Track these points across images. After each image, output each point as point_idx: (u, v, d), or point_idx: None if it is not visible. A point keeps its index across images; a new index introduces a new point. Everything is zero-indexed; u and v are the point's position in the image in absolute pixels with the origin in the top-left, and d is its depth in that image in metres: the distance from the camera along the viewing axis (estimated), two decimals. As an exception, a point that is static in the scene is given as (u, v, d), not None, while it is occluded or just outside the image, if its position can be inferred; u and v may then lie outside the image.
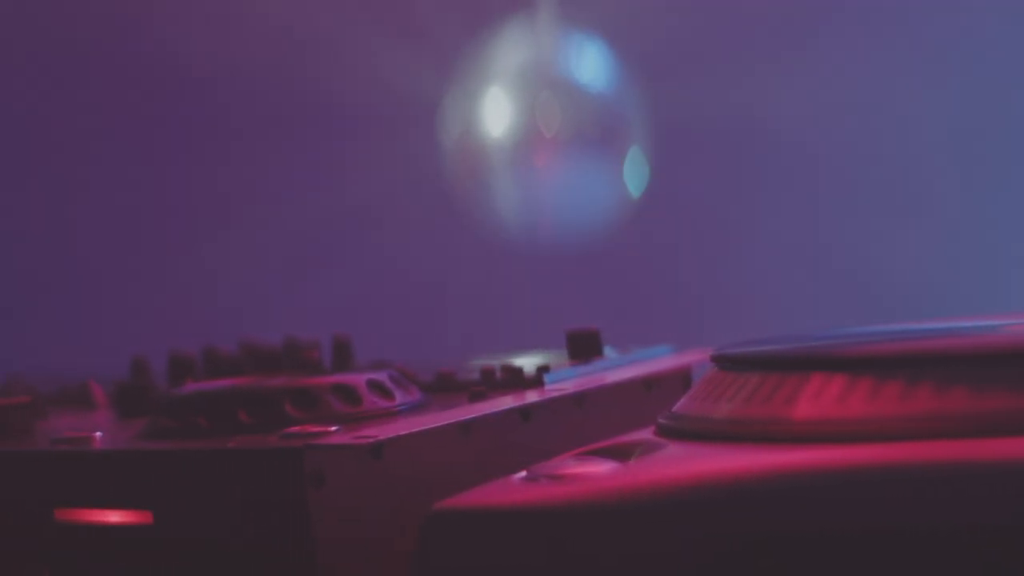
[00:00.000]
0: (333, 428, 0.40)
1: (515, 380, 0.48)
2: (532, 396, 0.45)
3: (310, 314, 1.01)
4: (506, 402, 0.44)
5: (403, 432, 0.39)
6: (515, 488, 0.35)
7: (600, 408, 0.48)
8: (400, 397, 0.44)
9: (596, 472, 0.34)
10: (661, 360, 0.52)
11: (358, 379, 0.44)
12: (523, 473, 0.37)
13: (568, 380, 0.48)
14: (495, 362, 0.50)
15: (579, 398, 0.47)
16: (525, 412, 0.44)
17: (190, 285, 1.06)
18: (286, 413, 0.42)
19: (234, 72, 1.03)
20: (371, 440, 0.38)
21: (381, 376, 0.45)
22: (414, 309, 1.02)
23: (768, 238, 1.00)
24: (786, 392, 0.36)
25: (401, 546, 0.40)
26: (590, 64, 0.99)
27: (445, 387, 0.48)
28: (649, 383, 0.50)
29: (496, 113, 0.98)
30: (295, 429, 0.40)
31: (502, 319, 1.00)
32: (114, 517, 0.42)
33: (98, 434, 0.45)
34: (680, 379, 0.53)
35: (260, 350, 0.58)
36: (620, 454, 0.37)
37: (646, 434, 0.40)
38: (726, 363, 0.39)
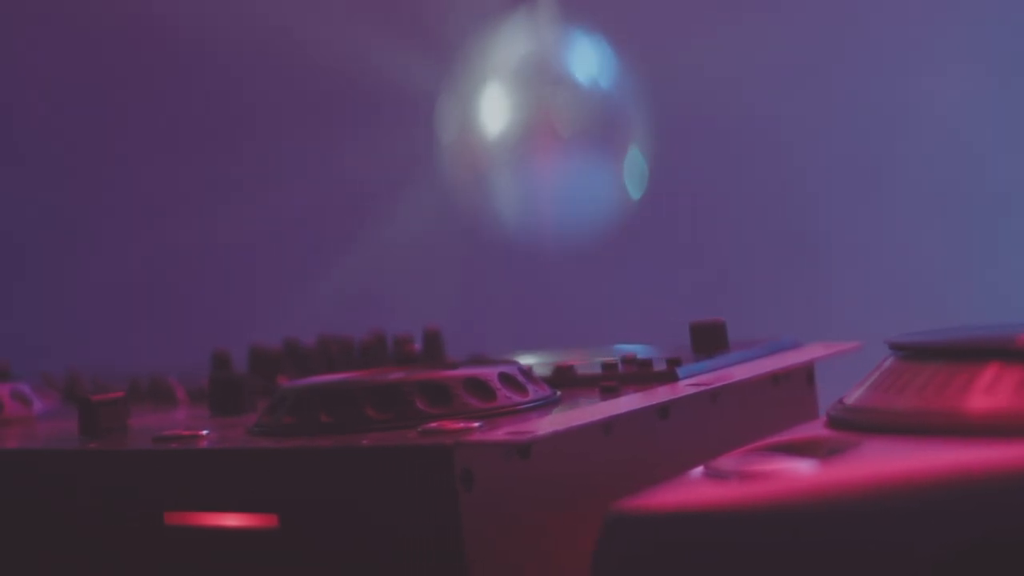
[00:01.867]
0: (476, 424, 0.37)
1: (644, 374, 0.45)
2: (669, 391, 0.42)
3: (301, 314, 0.99)
4: (646, 398, 0.41)
5: (559, 428, 0.36)
6: (702, 487, 0.32)
7: (732, 403, 0.45)
8: (532, 392, 0.41)
9: (796, 470, 0.31)
10: (787, 354, 0.49)
11: (490, 373, 0.41)
12: (699, 470, 0.34)
13: (701, 374, 0.45)
14: (615, 356, 0.47)
15: (715, 393, 0.44)
16: (664, 408, 0.42)
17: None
18: (416, 408, 0.39)
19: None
20: (528, 437, 0.35)
21: (512, 370, 0.42)
22: (409, 307, 0.99)
23: (766, 236, 0.98)
24: (987, 382, 0.33)
25: (547, 549, 0.37)
26: (590, 60, 0.97)
27: (564, 382, 0.45)
28: (777, 377, 0.48)
29: (495, 109, 0.96)
30: (433, 425, 0.37)
31: (502, 318, 0.98)
32: (233, 521, 0.39)
33: (204, 431, 0.42)
34: (804, 373, 0.50)
35: (349, 344, 0.55)
36: (804, 450, 0.34)
37: (816, 427, 0.37)
38: (913, 353, 0.36)
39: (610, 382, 0.43)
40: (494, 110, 0.97)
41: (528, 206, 0.98)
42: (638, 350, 0.52)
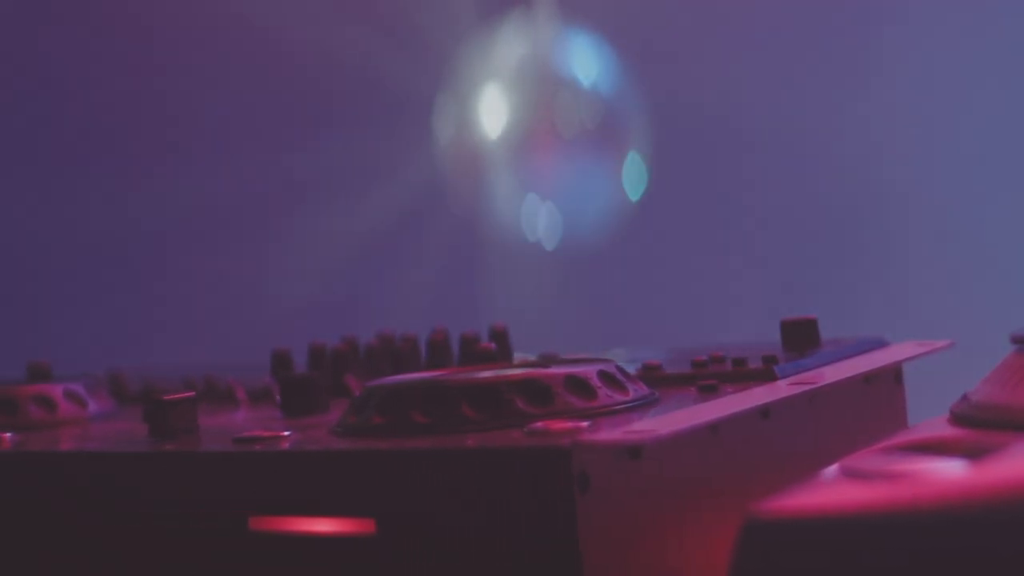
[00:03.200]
0: (584, 424, 0.35)
1: (740, 373, 0.43)
2: (772, 390, 0.40)
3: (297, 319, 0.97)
4: (756, 396, 0.39)
5: (682, 427, 0.34)
6: (844, 489, 0.30)
7: (828, 402, 0.43)
8: (632, 391, 0.39)
9: (946, 471, 0.29)
10: (878, 353, 0.47)
11: (590, 371, 0.39)
12: (833, 470, 0.32)
13: (798, 373, 0.43)
14: (704, 354, 0.45)
15: (813, 393, 0.42)
16: (766, 409, 0.40)
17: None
18: (516, 408, 0.37)
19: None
20: (650, 436, 0.33)
21: (611, 368, 0.40)
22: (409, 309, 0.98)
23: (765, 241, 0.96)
24: None
25: (659, 551, 0.36)
26: (589, 62, 0.96)
27: (654, 380, 0.44)
28: (869, 377, 0.46)
29: (493, 112, 0.95)
30: (539, 425, 0.35)
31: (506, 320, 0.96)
32: (326, 526, 0.37)
33: (286, 432, 0.40)
34: (893, 373, 0.48)
35: (413, 342, 0.53)
36: (943, 449, 0.32)
37: (940, 425, 0.35)
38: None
39: (709, 380, 0.41)
40: (492, 111, 0.96)
41: (527, 206, 0.97)
42: (649, 352, 0.50)
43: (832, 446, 0.43)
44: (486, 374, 0.39)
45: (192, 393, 0.43)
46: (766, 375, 0.42)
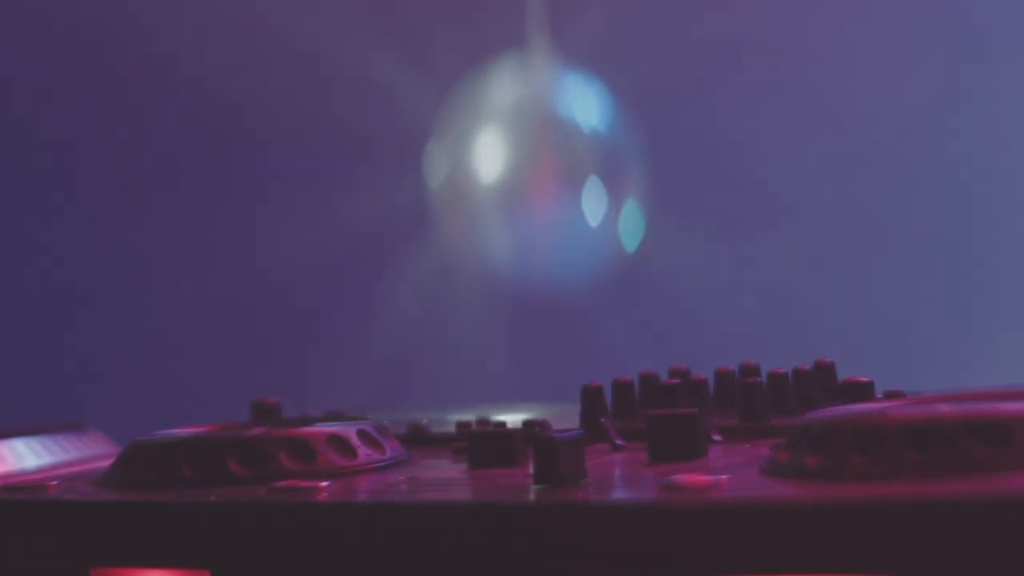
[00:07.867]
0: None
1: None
2: None
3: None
4: None
5: None
6: None
7: None
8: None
9: None
10: None
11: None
12: None
13: None
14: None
15: None
16: None
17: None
18: (962, 449, 0.35)
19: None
20: None
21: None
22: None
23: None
24: None
25: None
26: (585, 104, 0.94)
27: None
28: None
29: (487, 154, 0.93)
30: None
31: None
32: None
33: (724, 476, 0.36)
34: None
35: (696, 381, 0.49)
36: None
37: None
38: None
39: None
40: (487, 155, 0.93)
41: (523, 254, 0.95)
42: None
43: None
44: (935, 411, 0.36)
45: (582, 430, 0.39)
46: None
